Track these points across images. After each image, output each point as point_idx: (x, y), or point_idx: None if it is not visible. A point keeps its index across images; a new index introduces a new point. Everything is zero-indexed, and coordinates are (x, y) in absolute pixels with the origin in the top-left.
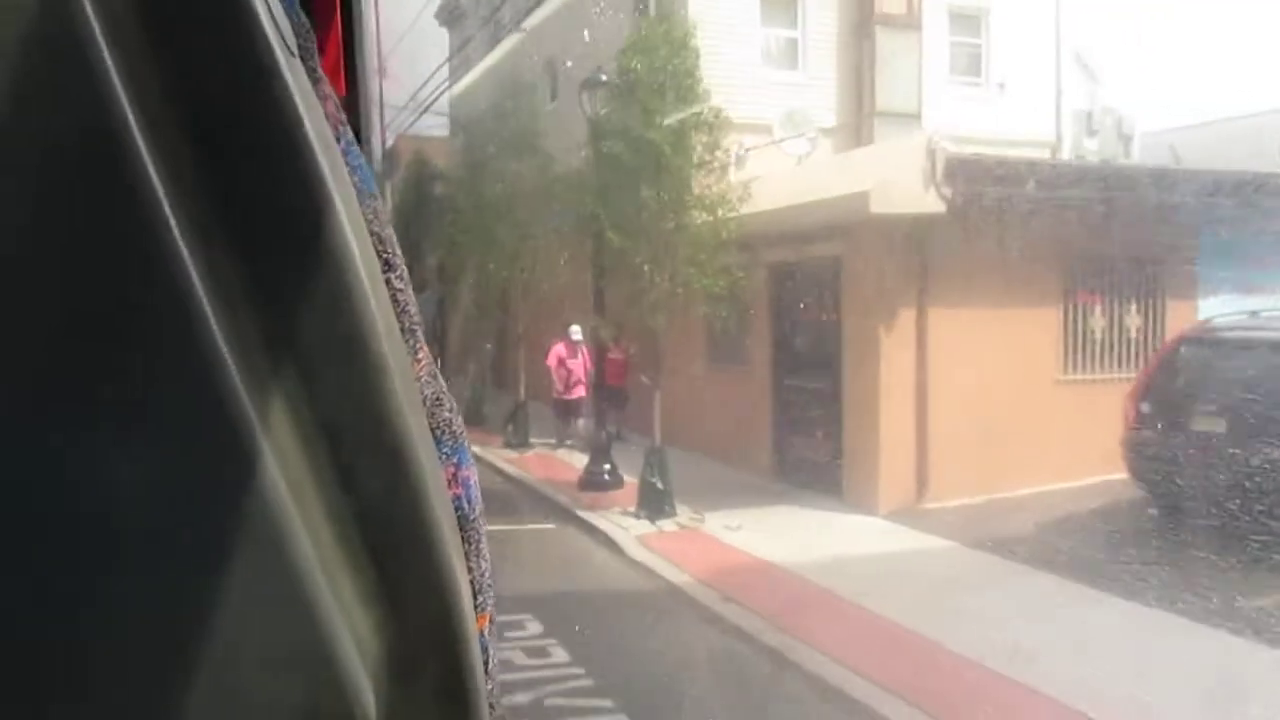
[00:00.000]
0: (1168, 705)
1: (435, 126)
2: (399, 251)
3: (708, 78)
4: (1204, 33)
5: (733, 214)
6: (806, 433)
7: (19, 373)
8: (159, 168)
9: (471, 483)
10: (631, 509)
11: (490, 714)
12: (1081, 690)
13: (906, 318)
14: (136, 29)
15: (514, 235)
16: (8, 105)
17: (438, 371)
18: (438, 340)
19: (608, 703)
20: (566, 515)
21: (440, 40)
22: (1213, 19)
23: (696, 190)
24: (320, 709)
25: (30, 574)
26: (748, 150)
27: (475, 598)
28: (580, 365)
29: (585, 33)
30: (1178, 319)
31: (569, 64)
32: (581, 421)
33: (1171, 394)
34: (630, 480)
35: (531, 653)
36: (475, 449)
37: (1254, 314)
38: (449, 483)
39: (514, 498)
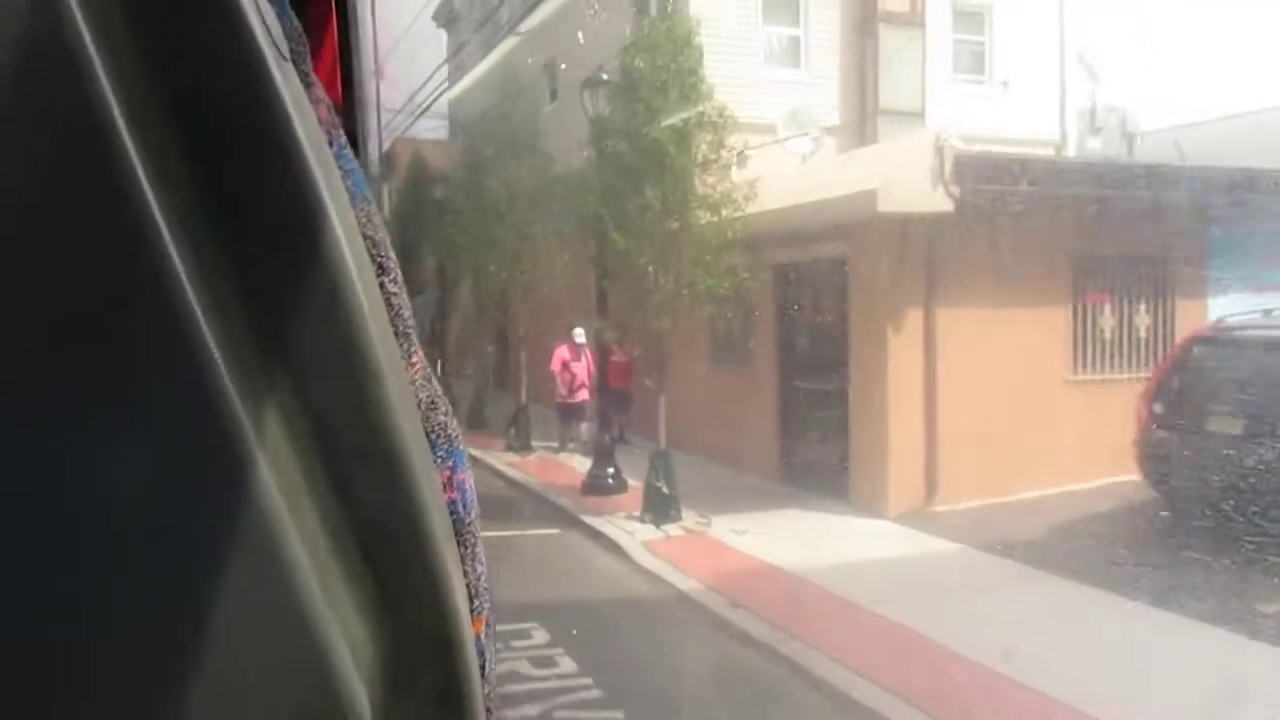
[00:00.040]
0: (1184, 713)
1: (433, 129)
2: (393, 255)
3: (709, 76)
4: (1206, 30)
5: (738, 214)
6: (813, 435)
7: (3, 374)
8: (148, 170)
9: (467, 486)
10: (636, 513)
11: (487, 719)
12: (1095, 696)
13: (914, 318)
14: (125, 32)
15: (514, 237)
16: None
17: (433, 375)
18: (437, 343)
19: (619, 714)
20: (570, 520)
21: (438, 42)
22: (1215, 17)
23: (701, 190)
24: (315, 715)
25: None
26: (749, 149)
27: (471, 602)
28: (584, 368)
29: (580, 35)
30: (1187, 318)
31: (565, 66)
32: (585, 425)
33: (1185, 394)
34: (634, 484)
35: (538, 663)
36: (477, 453)
37: (1268, 313)
38: (444, 486)
39: (517, 502)
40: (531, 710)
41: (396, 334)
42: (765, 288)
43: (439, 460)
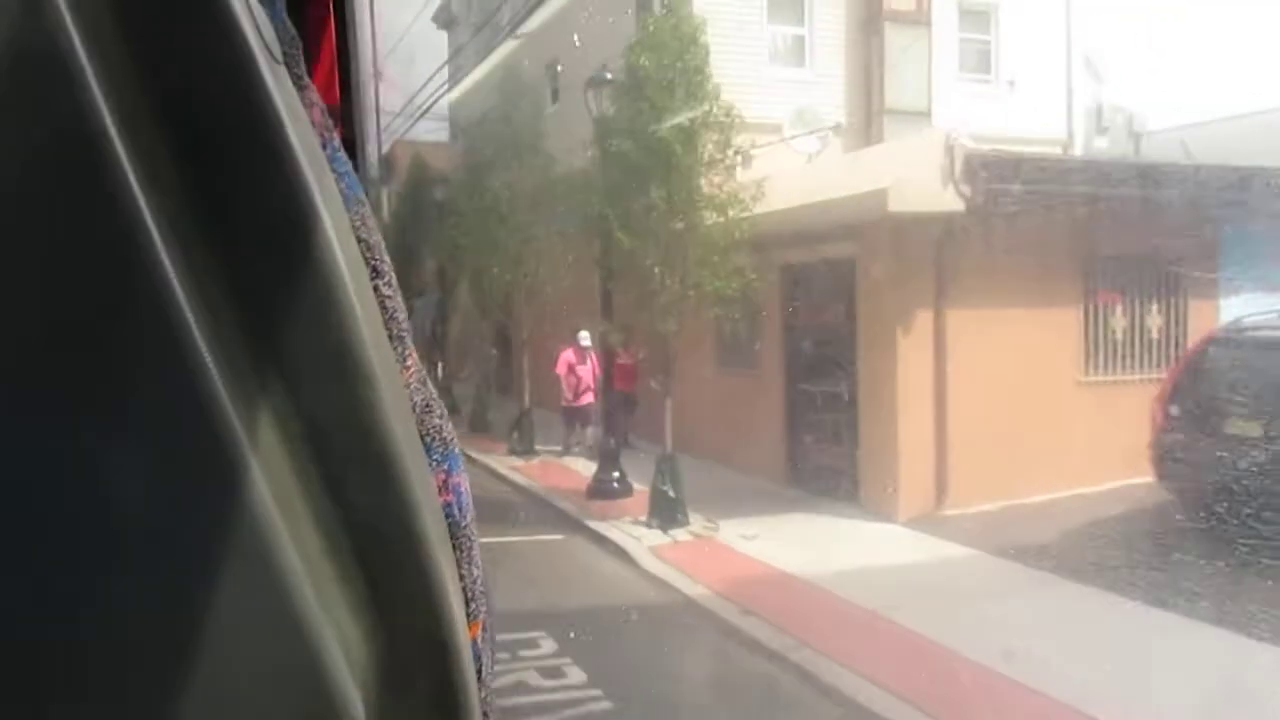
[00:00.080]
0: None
1: (433, 131)
2: (387, 258)
3: (714, 75)
4: (1212, 30)
5: (745, 214)
6: (822, 438)
7: (1, 376)
8: (139, 174)
9: (463, 489)
10: (642, 518)
11: None
12: (1109, 701)
13: (924, 319)
14: (116, 35)
15: (517, 239)
16: None
17: (428, 378)
18: (438, 345)
19: None
20: (575, 525)
21: (438, 43)
22: (1220, 18)
23: (707, 190)
24: (309, 717)
25: None
26: (755, 149)
27: (468, 605)
28: (589, 371)
29: (576, 37)
30: (1199, 318)
31: (562, 68)
32: (590, 429)
33: (1202, 396)
34: (640, 488)
35: (547, 673)
36: (480, 456)
37: None
38: (440, 490)
39: (521, 507)
40: None
41: (390, 337)
42: (772, 289)
43: (434, 463)
